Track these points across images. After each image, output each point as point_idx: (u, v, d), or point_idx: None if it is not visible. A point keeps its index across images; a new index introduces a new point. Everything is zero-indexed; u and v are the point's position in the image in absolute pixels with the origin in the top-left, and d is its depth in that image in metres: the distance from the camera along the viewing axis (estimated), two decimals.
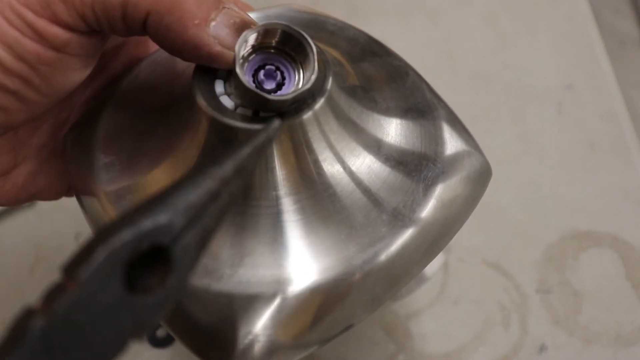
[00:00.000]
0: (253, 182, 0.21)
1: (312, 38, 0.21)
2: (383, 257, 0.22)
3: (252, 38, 0.21)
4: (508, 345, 0.38)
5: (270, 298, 0.21)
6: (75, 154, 0.25)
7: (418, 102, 0.24)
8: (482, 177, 0.25)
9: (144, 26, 0.20)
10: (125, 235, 0.14)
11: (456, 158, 0.24)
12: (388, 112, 0.24)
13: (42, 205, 0.43)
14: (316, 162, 0.22)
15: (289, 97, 0.20)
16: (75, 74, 0.22)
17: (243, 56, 0.21)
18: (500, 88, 0.47)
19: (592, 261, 0.40)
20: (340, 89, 0.22)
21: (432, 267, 0.40)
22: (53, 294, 0.13)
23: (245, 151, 0.17)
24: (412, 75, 0.25)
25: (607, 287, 0.39)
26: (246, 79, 0.20)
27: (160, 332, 0.39)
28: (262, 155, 0.18)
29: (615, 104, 0.46)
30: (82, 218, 0.24)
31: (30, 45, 0.20)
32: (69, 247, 0.41)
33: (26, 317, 0.13)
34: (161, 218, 0.14)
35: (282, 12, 0.26)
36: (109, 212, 0.23)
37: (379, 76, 0.25)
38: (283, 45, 0.21)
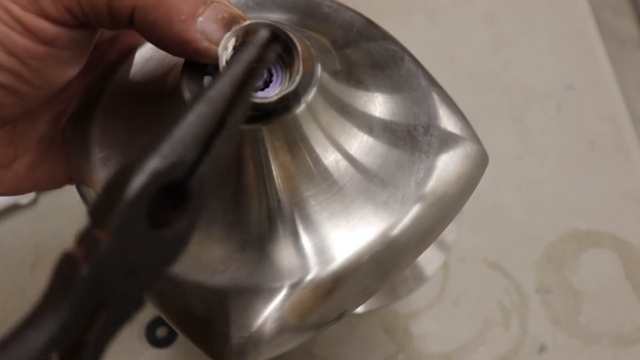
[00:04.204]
0: (247, 178, 0.21)
1: (303, 23, 0.20)
2: (372, 252, 0.22)
3: (234, 41, 0.20)
4: (508, 345, 0.38)
5: (260, 293, 0.21)
6: (74, 147, 0.25)
7: (412, 89, 0.24)
8: (477, 166, 0.24)
9: (131, 21, 0.20)
10: (141, 179, 0.14)
11: (450, 148, 0.23)
12: (380, 102, 0.23)
13: (42, 205, 0.43)
14: (311, 154, 0.22)
15: (273, 99, 0.20)
16: (68, 67, 0.22)
17: (226, 60, 0.20)
18: (500, 88, 0.47)
19: (592, 261, 0.40)
20: (331, 79, 0.22)
21: (432, 267, 0.40)
22: (88, 243, 0.14)
23: (236, 68, 0.17)
24: (407, 61, 0.25)
25: (607, 287, 0.39)
26: None
27: (160, 333, 0.39)
28: (258, 76, 0.18)
29: (615, 104, 0.46)
30: (83, 218, 0.24)
31: (20, 40, 0.20)
32: None
33: (70, 265, 0.14)
34: (172, 157, 0.15)
35: None
36: None
37: (372, 63, 0.24)
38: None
